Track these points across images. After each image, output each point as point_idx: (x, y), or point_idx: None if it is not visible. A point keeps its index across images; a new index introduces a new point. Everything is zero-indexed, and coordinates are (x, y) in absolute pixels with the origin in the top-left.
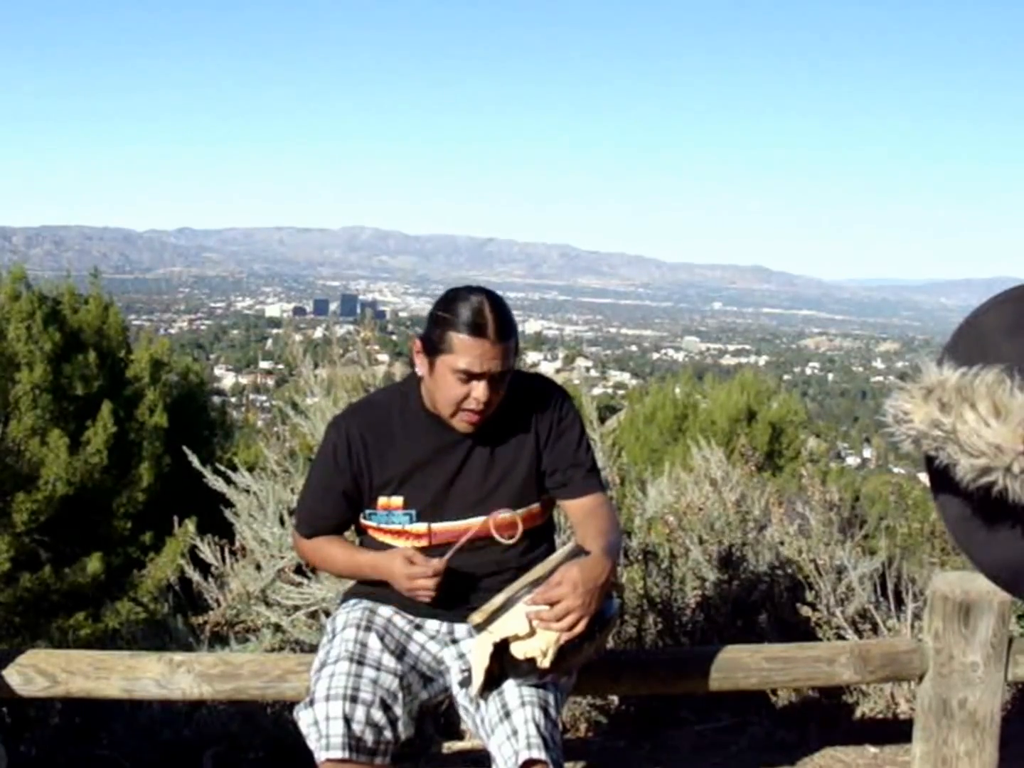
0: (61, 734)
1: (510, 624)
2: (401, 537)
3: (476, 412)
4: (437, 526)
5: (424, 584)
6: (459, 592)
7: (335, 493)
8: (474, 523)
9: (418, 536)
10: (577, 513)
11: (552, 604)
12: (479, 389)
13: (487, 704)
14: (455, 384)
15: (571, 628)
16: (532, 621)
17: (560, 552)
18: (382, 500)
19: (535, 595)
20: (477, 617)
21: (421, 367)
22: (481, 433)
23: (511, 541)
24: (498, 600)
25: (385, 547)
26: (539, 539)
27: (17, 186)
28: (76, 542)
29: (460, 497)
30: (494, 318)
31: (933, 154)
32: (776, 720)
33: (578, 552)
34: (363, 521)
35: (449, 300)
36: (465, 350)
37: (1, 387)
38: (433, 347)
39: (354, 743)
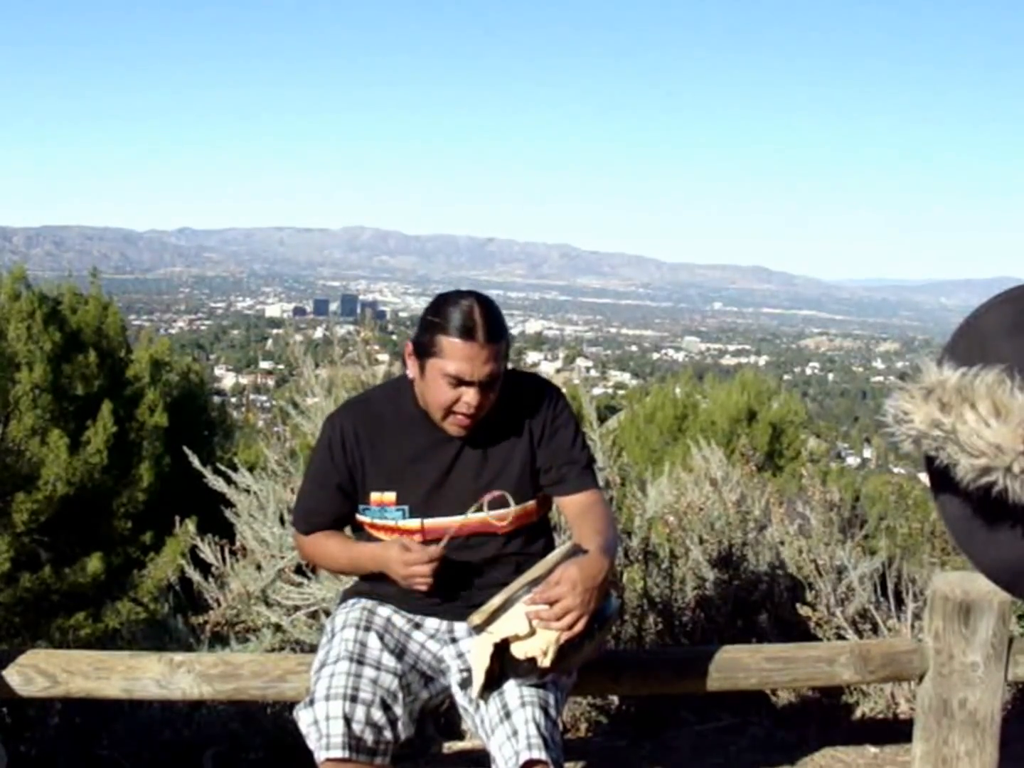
0: (61, 734)
1: (510, 624)
2: (395, 534)
3: (467, 416)
4: (430, 522)
5: (421, 571)
6: (458, 588)
7: (330, 488)
8: (469, 519)
9: (411, 532)
10: (573, 510)
11: (551, 603)
12: (469, 394)
13: (487, 704)
14: (445, 388)
15: (571, 627)
16: (532, 621)
17: (558, 551)
18: (375, 495)
19: (534, 595)
20: (476, 618)
21: (412, 370)
22: (474, 431)
23: (503, 523)
24: (497, 600)
25: None
26: (536, 536)
27: (17, 186)
28: (76, 542)
29: (453, 494)
30: (483, 321)
31: (933, 154)
32: (776, 720)
33: (576, 551)
34: (358, 517)
35: (439, 304)
36: (454, 353)
37: (1, 387)
38: (423, 350)
39: (354, 743)
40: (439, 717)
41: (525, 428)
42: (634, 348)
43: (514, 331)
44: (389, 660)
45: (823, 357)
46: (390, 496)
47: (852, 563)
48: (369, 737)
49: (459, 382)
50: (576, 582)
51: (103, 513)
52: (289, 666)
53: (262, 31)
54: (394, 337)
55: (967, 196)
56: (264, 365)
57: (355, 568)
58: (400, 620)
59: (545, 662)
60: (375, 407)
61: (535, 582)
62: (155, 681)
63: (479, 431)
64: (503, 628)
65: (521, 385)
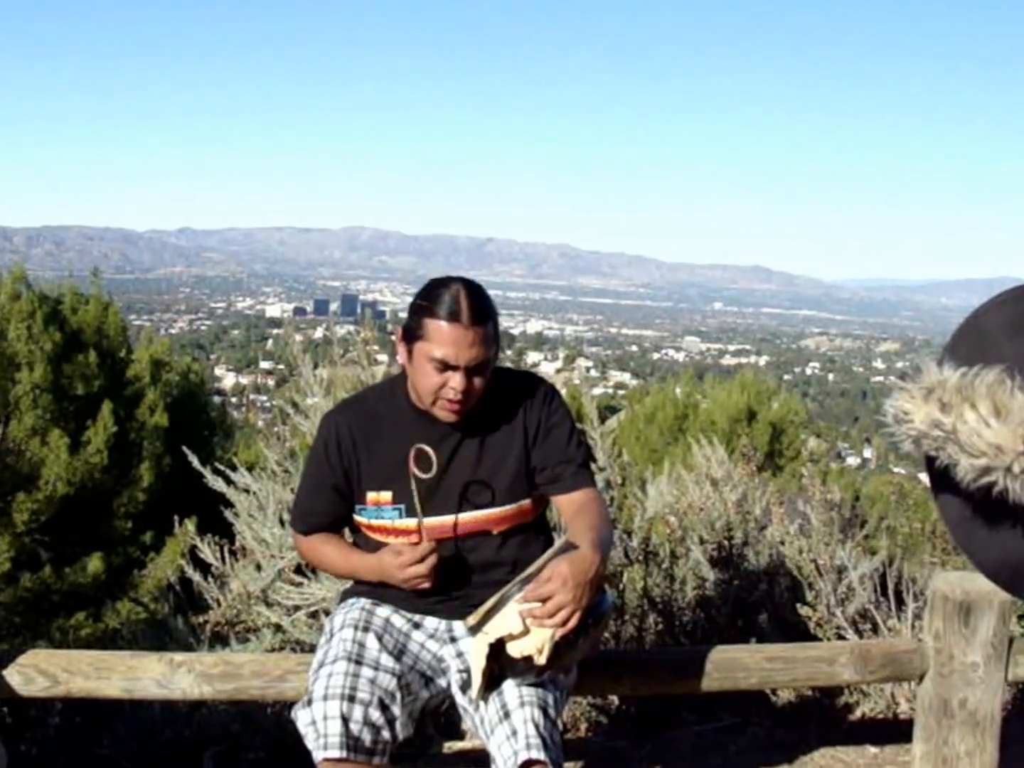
0: (61, 734)
1: (504, 623)
2: (391, 534)
3: (455, 401)
4: (427, 521)
5: (419, 571)
6: (457, 588)
7: (326, 488)
8: (464, 517)
9: (408, 532)
10: (568, 508)
11: (544, 600)
12: (455, 379)
13: (487, 704)
14: (431, 373)
15: (564, 623)
16: (525, 619)
17: (551, 549)
18: (371, 495)
19: (526, 592)
20: (471, 619)
21: (401, 356)
22: (470, 428)
23: (427, 476)
24: (491, 600)
25: (379, 545)
26: (533, 536)
27: (17, 186)
28: (76, 542)
29: (449, 492)
30: (468, 304)
31: (933, 154)
32: (776, 720)
33: (568, 547)
34: (355, 517)
35: (427, 289)
36: (440, 337)
37: (1, 387)
38: (411, 334)
39: (352, 743)
40: (439, 717)
41: (520, 427)
42: (634, 348)
43: (514, 331)
44: (387, 660)
45: (823, 357)
46: (386, 496)
47: (852, 563)
48: (367, 737)
49: (445, 366)
50: (567, 578)
51: (103, 513)
52: (289, 666)
53: (262, 31)
54: (393, 337)
55: (967, 196)
56: (264, 365)
57: (352, 577)
58: (399, 620)
59: (541, 660)
60: (371, 406)
61: (527, 580)
62: (155, 681)
63: (474, 428)
64: (497, 628)
65: (515, 384)
